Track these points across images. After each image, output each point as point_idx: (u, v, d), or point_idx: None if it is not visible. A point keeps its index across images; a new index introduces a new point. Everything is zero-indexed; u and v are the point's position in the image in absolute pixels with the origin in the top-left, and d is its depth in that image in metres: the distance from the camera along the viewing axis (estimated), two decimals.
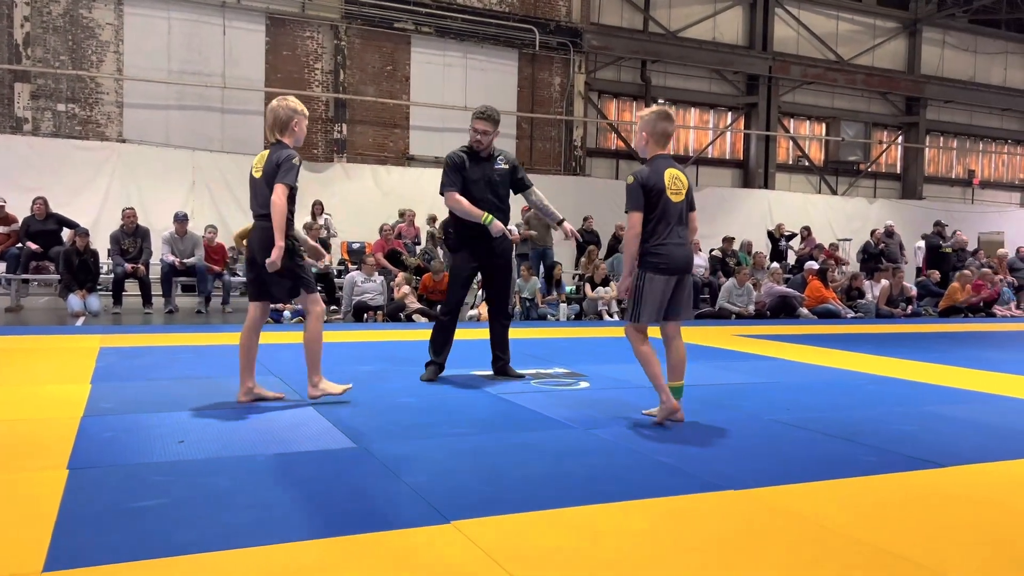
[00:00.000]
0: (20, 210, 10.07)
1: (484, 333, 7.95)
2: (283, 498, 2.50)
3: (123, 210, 9.95)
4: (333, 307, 10.07)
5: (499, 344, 5.20)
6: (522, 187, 5.21)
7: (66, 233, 9.73)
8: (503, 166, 5.05)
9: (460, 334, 7.86)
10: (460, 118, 16.13)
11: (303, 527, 2.24)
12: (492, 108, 5.02)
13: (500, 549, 2.11)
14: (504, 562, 2.02)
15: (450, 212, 5.02)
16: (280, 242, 3.78)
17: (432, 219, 12.86)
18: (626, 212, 3.78)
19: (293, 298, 4.06)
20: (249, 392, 4.03)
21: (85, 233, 9.04)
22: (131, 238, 9.64)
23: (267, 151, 4.00)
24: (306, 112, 4.11)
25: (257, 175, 3.98)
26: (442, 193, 4.95)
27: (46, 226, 9.64)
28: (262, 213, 3.93)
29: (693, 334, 8.34)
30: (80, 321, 8.14)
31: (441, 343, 5.06)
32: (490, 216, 4.81)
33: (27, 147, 12.73)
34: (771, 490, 2.70)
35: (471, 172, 4.92)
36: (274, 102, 4.05)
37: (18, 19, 13.22)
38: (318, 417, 3.70)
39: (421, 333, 7.46)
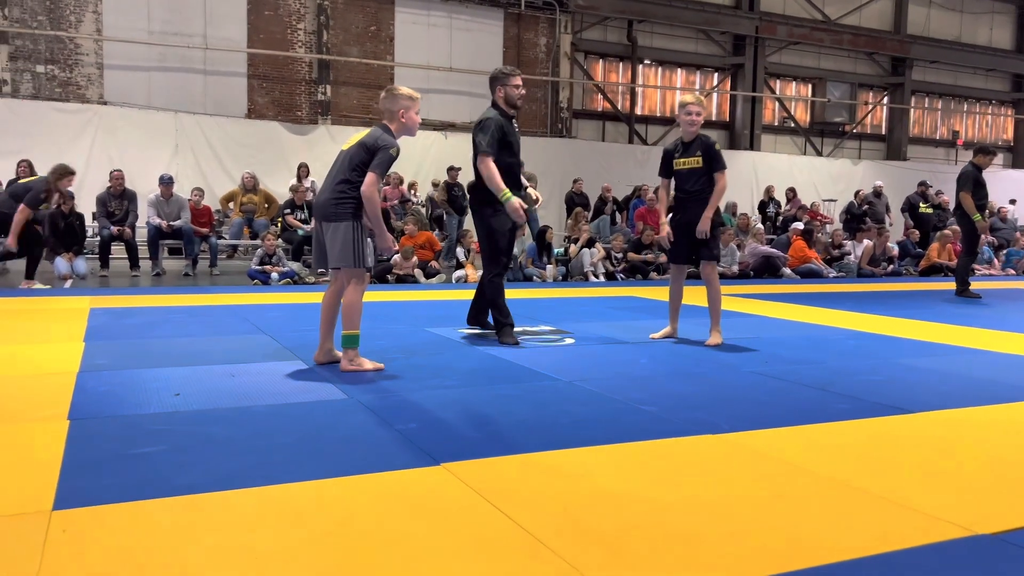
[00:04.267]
0: (3, 173, 10.00)
1: (470, 294, 8.06)
2: (278, 444, 2.60)
3: (111, 172, 9.90)
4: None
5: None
6: None
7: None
8: (517, 129, 5.05)
9: (445, 294, 7.98)
10: (445, 79, 16.04)
11: (299, 470, 2.34)
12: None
13: (489, 488, 2.22)
14: (493, 499, 2.14)
15: (477, 175, 4.86)
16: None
17: (436, 183, 12.89)
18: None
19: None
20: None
21: (71, 196, 9.01)
22: (117, 200, 9.61)
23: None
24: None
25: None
26: (478, 154, 4.80)
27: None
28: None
29: None
30: (68, 284, 8.17)
31: (504, 303, 4.96)
32: (509, 193, 4.72)
33: (6, 109, 12.60)
34: (746, 434, 2.83)
35: (512, 136, 4.88)
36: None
37: None
38: (310, 371, 3.80)
39: (405, 294, 7.57)
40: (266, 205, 11.45)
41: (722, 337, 4.93)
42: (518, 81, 4.91)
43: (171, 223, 9.66)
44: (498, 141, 4.78)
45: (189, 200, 10.46)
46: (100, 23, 13.68)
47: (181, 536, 1.88)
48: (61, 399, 3.14)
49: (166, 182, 9.85)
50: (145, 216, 9.86)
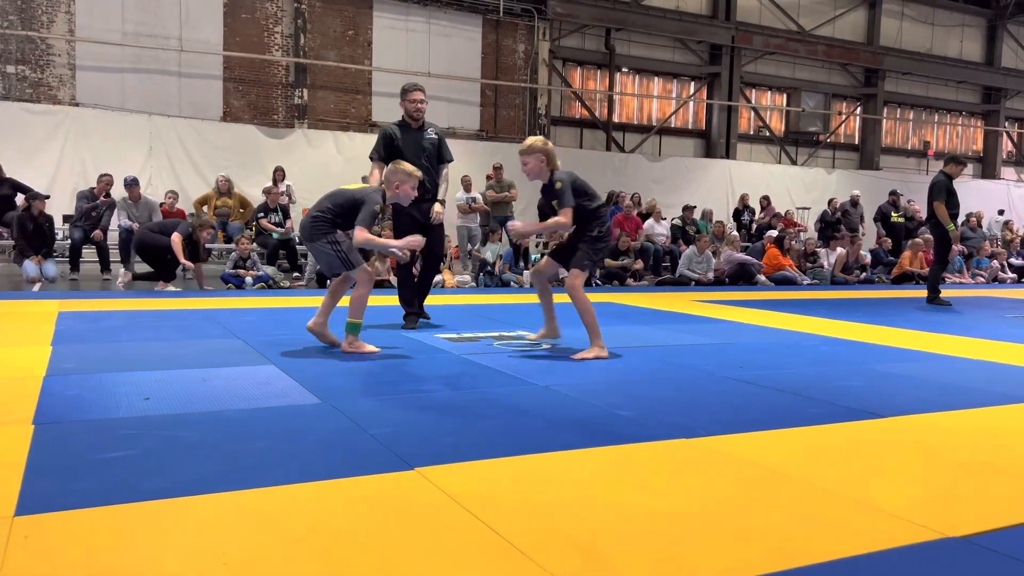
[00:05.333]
0: None
1: (447, 299, 8.03)
2: (250, 449, 2.57)
3: (101, 176, 9.83)
4: (296, 274, 10.06)
5: (422, 295, 5.90)
6: (441, 160, 5.81)
7: (20, 199, 9.54)
8: (433, 137, 5.71)
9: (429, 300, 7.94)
10: (423, 84, 16.03)
11: (271, 474, 2.31)
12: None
13: (463, 492, 2.20)
14: (467, 504, 2.12)
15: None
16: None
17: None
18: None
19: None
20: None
21: (44, 198, 8.88)
22: (93, 202, 9.50)
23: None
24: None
25: (349, 187, 4.71)
26: (371, 159, 5.65)
27: (0, 191, 9.44)
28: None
29: (653, 300, 8.51)
30: (36, 287, 8.03)
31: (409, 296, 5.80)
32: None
33: None
34: (720, 438, 2.84)
35: (403, 141, 5.58)
36: None
37: None
38: (283, 376, 3.76)
39: (381, 299, 7.52)
40: (241, 209, 11.35)
41: (605, 351, 4.55)
42: (416, 96, 5.62)
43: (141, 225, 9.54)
44: (384, 148, 5.55)
45: (162, 203, 10.36)
46: (73, 23, 13.52)
47: (150, 542, 1.84)
48: (26, 403, 3.08)
49: (131, 184, 9.72)
50: (116, 220, 9.74)
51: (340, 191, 4.65)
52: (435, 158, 5.74)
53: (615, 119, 18.73)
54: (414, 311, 5.74)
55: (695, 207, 13.99)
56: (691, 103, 19.74)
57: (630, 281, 10.90)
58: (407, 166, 4.61)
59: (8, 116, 12.56)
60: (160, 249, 8.32)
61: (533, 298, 8.53)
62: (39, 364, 3.87)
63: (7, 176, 9.64)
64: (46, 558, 1.73)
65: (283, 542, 1.85)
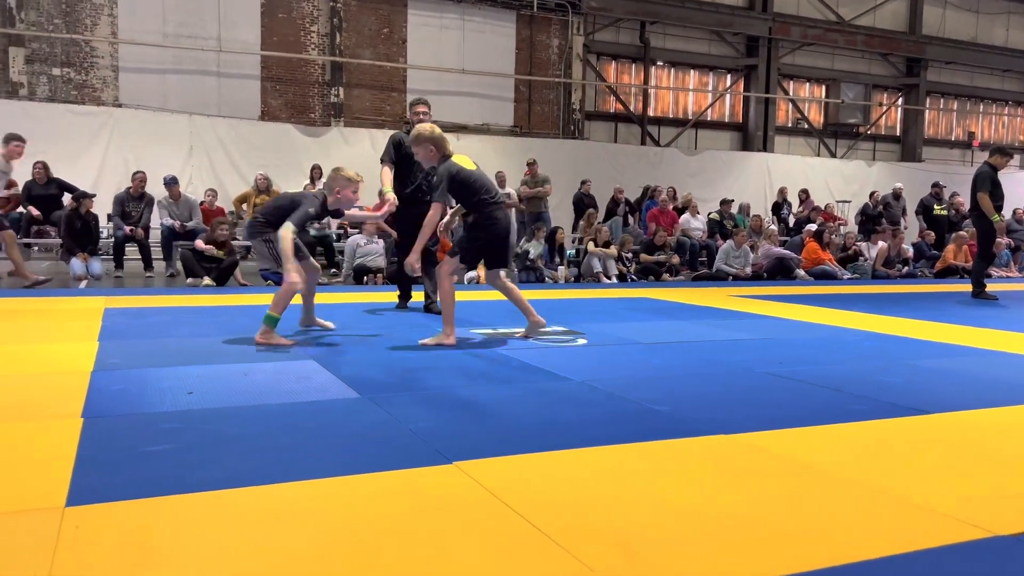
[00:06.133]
0: (19, 175, 10.07)
1: (482, 294, 8.06)
2: (291, 442, 2.60)
3: (134, 174, 9.99)
4: (334, 270, 10.16)
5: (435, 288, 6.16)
6: None
7: (66, 198, 9.76)
8: None
9: (459, 295, 7.96)
10: (456, 81, 16.06)
11: (311, 468, 2.34)
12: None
13: (502, 487, 2.21)
14: (506, 498, 2.12)
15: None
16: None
17: None
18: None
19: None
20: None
21: (92, 197, 9.08)
22: (135, 202, 9.68)
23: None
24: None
25: (292, 192, 5.17)
26: (382, 162, 6.14)
27: (47, 191, 9.67)
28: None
29: (689, 295, 8.45)
30: (83, 284, 8.22)
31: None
32: (387, 189, 5.94)
33: (23, 112, 12.69)
34: (759, 434, 2.81)
35: (409, 148, 5.77)
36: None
37: None
38: (322, 371, 3.81)
39: (417, 295, 7.57)
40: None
41: (452, 339, 4.65)
42: (420, 108, 6.13)
43: (184, 223, 9.71)
44: (394, 152, 6.11)
45: (202, 202, 10.52)
46: (115, 26, 13.79)
47: (194, 533, 1.87)
48: (75, 398, 3.15)
49: (170, 183, 9.89)
50: (158, 218, 9.92)
51: (284, 194, 5.04)
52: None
53: (650, 113, 18.59)
54: (432, 300, 6.29)
55: (732, 201, 13.84)
56: (727, 96, 19.52)
57: (666, 276, 10.81)
58: (348, 172, 4.85)
59: (54, 118, 12.86)
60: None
61: (569, 293, 8.56)
62: (87, 359, 3.96)
63: (54, 176, 9.86)
64: (95, 547, 1.77)
65: (323, 534, 1.88)
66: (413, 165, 5.92)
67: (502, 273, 4.97)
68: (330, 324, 5.23)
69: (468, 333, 5.17)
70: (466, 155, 4.93)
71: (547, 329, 5.36)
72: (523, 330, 5.03)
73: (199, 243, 8.61)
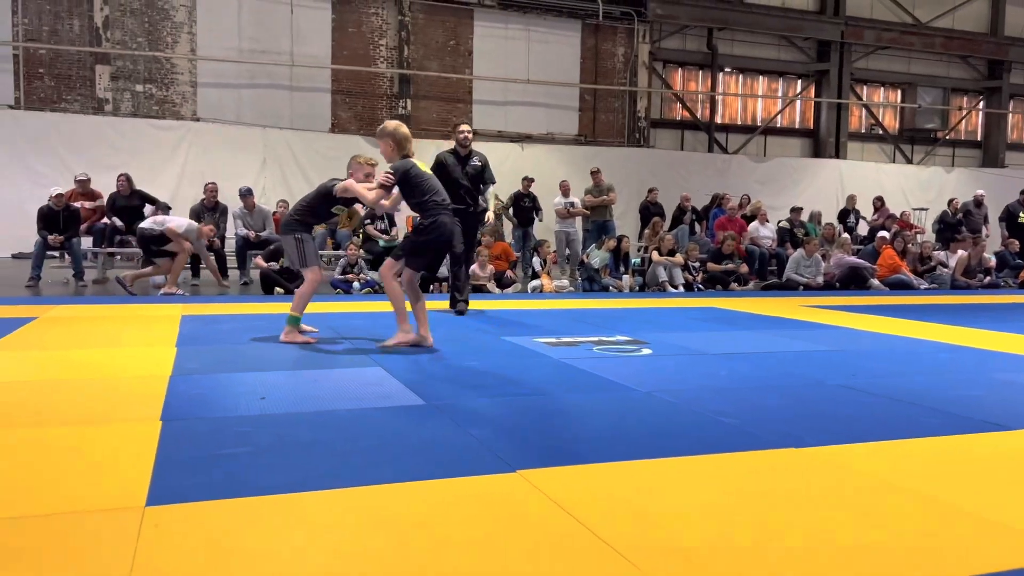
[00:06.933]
0: (104, 187, 10.55)
1: (546, 303, 8.07)
2: (359, 447, 2.65)
3: (205, 184, 10.28)
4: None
5: (461, 289, 6.90)
6: (484, 182, 7.08)
7: (147, 209, 10.13)
8: (476, 164, 6.99)
9: (522, 304, 8.02)
10: (522, 91, 16.15)
11: (379, 473, 2.38)
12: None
13: (565, 497, 2.21)
14: (570, 508, 2.12)
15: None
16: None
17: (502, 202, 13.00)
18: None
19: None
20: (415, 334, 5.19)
21: (168, 208, 9.43)
22: (210, 213, 9.99)
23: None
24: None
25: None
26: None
27: (130, 202, 10.05)
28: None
29: (759, 305, 8.29)
30: (162, 292, 8.52)
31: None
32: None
33: (108, 127, 13.31)
34: (831, 448, 2.74)
35: (452, 167, 6.86)
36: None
37: (98, 3, 13.76)
38: (389, 378, 3.87)
39: (480, 303, 7.62)
40: (348, 217, 11.73)
41: (410, 336, 4.81)
42: (462, 129, 6.98)
43: (259, 233, 9.98)
44: (436, 169, 6.50)
45: (275, 212, 10.81)
46: (194, 43, 14.33)
47: (267, 534, 1.93)
48: (154, 401, 3.28)
49: (245, 194, 10.16)
50: (232, 228, 10.23)
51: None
52: (478, 180, 7.02)
53: (717, 120, 18.36)
54: (462, 298, 6.88)
55: (801, 209, 13.53)
56: (798, 102, 19.12)
57: (734, 286, 10.63)
58: (362, 157, 5.26)
59: (136, 132, 13.44)
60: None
61: (634, 303, 8.51)
62: (165, 364, 4.12)
63: (137, 188, 10.26)
64: (173, 545, 1.85)
65: (390, 538, 1.91)
66: (453, 183, 6.56)
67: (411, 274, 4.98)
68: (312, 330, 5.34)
69: (531, 343, 5.18)
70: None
71: (610, 339, 5.33)
72: (391, 340, 4.87)
73: (260, 261, 8.83)
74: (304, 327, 5.23)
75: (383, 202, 5.01)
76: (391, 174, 4.81)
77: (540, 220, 11.75)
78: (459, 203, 6.55)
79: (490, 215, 7.28)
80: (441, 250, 5.05)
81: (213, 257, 9.17)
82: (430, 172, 5.03)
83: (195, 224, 8.77)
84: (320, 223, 5.49)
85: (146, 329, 5.50)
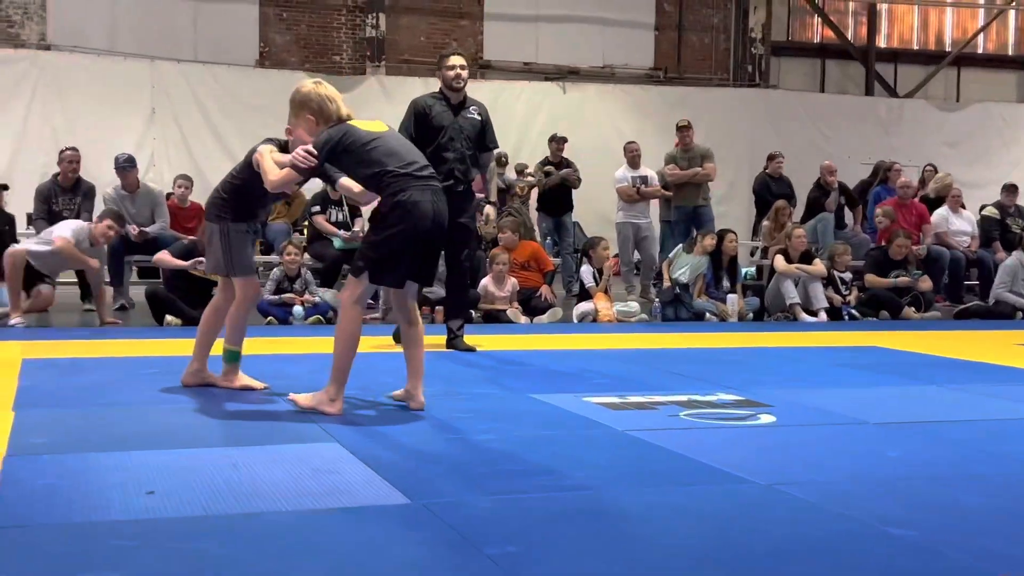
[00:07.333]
0: None
1: (604, 340, 8.05)
2: (306, 574, 2.66)
3: (60, 152, 10.30)
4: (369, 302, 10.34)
5: (456, 314, 7.19)
6: (484, 148, 7.25)
7: None
8: (475, 117, 7.08)
9: (564, 340, 8.00)
10: (561, 1, 16.16)
11: None
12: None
13: None
14: None
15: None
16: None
17: (511, 166, 13.04)
18: None
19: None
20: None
21: (3, 189, 9.46)
22: (68, 195, 10.02)
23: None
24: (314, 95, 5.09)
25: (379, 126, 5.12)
26: None
27: None
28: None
29: (950, 342, 8.23)
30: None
31: None
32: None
33: None
34: None
35: (438, 118, 6.94)
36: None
37: None
38: (351, 459, 3.88)
39: (497, 339, 7.64)
40: (286, 202, 11.78)
41: (335, 407, 4.77)
42: (453, 62, 6.98)
43: (142, 229, 10.00)
44: (415, 125, 6.84)
45: (170, 194, 10.85)
46: None
47: None
48: None
49: (124, 166, 10.13)
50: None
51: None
52: (476, 143, 7.10)
53: (880, 43, 18.32)
54: (456, 330, 7.09)
55: (1016, 187, 13.42)
56: (1011, 14, 19.04)
57: (910, 310, 10.56)
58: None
59: None
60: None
61: (747, 339, 8.41)
62: None
63: None
64: None
65: None
66: (438, 148, 6.73)
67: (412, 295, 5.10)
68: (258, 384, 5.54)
69: (578, 403, 5.17)
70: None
71: (706, 398, 5.31)
72: (401, 392, 5.06)
73: (165, 256, 8.81)
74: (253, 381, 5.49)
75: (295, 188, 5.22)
76: (311, 153, 4.81)
77: (574, 177, 11.78)
78: (447, 178, 6.55)
79: (488, 212, 7.41)
80: (419, 244, 4.85)
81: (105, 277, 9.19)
82: (388, 131, 5.06)
83: (84, 225, 8.83)
84: (263, 209, 5.71)
85: None
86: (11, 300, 8.23)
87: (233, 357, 5.40)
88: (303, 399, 4.83)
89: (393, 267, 4.79)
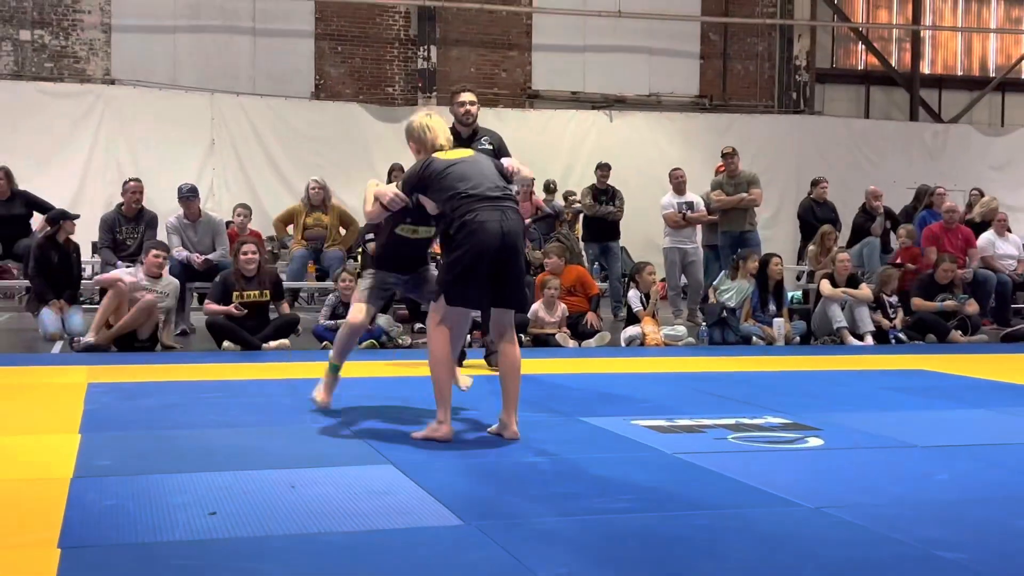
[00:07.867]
0: None
1: (650, 363, 8.02)
2: None
3: (124, 183, 10.35)
4: (420, 325, 10.37)
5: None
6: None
7: (36, 220, 10.30)
8: (486, 147, 6.69)
9: (612, 364, 7.98)
10: (611, 30, 16.20)
11: None
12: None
13: None
14: None
15: None
16: None
17: (559, 192, 13.05)
18: None
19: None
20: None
21: (74, 219, 9.53)
22: (131, 224, 10.10)
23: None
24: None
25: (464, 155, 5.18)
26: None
27: (10, 210, 10.20)
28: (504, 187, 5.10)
29: (999, 366, 8.13)
30: (57, 347, 8.63)
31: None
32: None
33: None
34: None
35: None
36: None
37: None
38: (406, 481, 3.89)
39: (545, 363, 7.62)
40: (341, 229, 11.80)
41: (443, 431, 4.74)
42: (464, 98, 6.85)
43: (205, 256, 10.07)
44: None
45: (230, 222, 10.93)
46: None
47: None
48: (49, 518, 3.33)
49: (187, 196, 10.18)
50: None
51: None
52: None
53: (924, 69, 18.17)
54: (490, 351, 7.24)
55: None
56: None
57: (956, 334, 10.44)
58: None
59: (20, 101, 13.71)
60: None
61: (794, 362, 8.35)
62: (65, 461, 4.19)
63: (19, 188, 10.37)
64: None
65: None
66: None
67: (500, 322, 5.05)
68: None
69: (627, 427, 5.16)
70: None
71: (753, 421, 5.28)
72: (496, 427, 4.97)
73: (211, 307, 8.83)
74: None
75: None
76: (399, 197, 5.01)
77: (617, 214, 11.79)
78: None
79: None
80: (487, 263, 4.79)
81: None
82: (467, 157, 5.10)
83: (136, 268, 8.91)
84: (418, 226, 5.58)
85: (35, 406, 5.62)
86: (96, 321, 8.25)
87: (333, 370, 5.63)
88: (417, 435, 4.81)
89: (464, 287, 4.78)
